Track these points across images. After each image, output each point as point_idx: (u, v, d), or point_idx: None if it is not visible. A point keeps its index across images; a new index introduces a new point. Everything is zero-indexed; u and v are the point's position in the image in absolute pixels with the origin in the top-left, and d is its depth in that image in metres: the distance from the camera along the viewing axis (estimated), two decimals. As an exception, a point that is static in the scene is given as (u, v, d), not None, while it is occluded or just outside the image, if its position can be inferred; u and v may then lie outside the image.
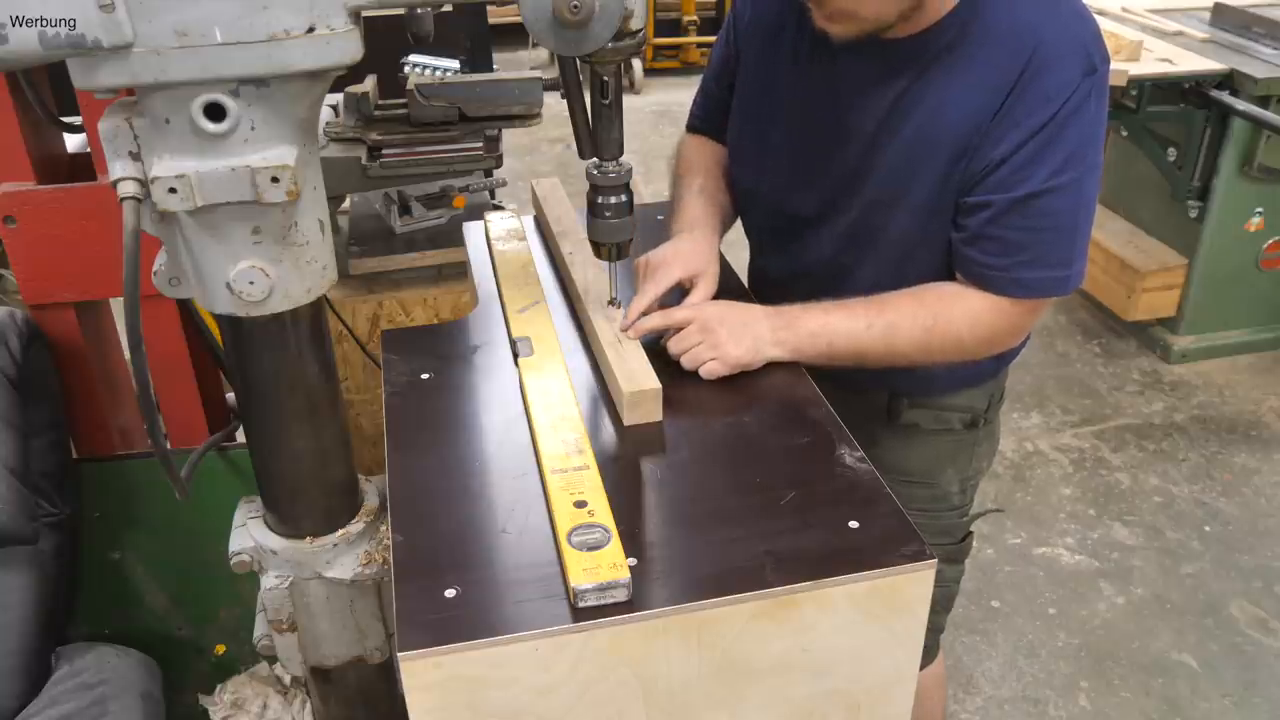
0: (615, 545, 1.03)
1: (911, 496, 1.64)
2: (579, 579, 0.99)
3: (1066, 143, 1.31)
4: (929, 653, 1.87)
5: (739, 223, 1.70)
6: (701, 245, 1.52)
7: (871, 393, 1.62)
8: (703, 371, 1.35)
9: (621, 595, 0.99)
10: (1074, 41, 1.31)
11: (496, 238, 1.71)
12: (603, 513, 1.08)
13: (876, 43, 1.37)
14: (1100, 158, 1.36)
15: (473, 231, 1.80)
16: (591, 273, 1.52)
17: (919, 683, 1.85)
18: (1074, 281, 1.40)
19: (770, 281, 1.65)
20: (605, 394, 1.34)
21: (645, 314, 1.41)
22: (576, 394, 1.30)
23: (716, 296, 1.46)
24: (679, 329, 1.39)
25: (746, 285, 1.67)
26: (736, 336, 1.36)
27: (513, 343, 1.41)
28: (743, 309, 1.41)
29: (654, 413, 1.28)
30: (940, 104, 1.35)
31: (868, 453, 1.54)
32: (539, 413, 1.26)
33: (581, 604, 0.98)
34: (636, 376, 1.29)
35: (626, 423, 1.28)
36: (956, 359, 1.45)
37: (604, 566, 1.00)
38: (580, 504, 1.09)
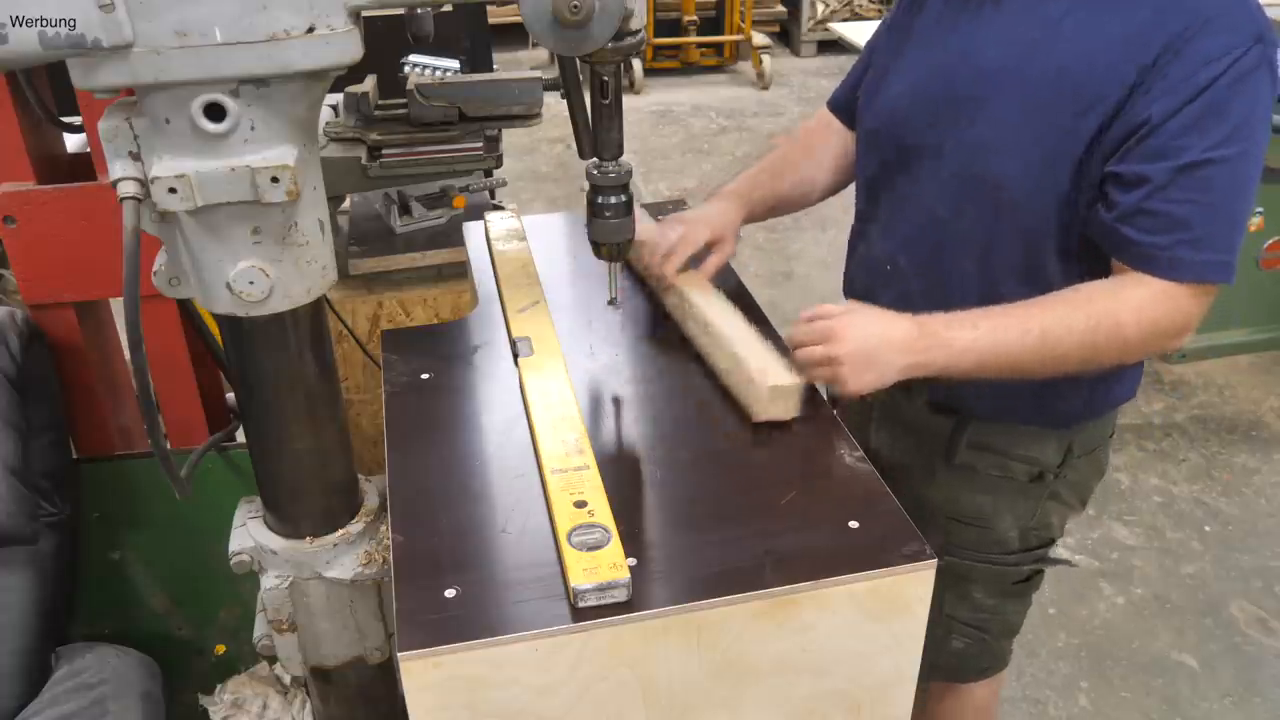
0: (615, 545, 1.03)
1: (963, 537, 1.58)
2: (579, 579, 0.99)
3: (1233, 111, 1.20)
4: (997, 662, 1.77)
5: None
6: (726, 215, 1.57)
7: (936, 424, 1.54)
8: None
9: (621, 595, 0.99)
10: (1241, 4, 1.22)
11: (496, 238, 1.71)
12: (603, 513, 1.08)
13: None
14: (1266, 137, 1.25)
15: (473, 231, 1.80)
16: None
17: (977, 697, 1.78)
18: (1234, 271, 1.29)
19: (870, 245, 1.58)
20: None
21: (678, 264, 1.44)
22: (576, 394, 1.30)
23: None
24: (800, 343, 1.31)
25: (846, 264, 1.66)
26: (859, 370, 1.26)
27: (512, 343, 1.41)
28: (882, 329, 1.29)
29: (792, 409, 1.27)
30: (1077, 46, 1.26)
31: (923, 488, 1.49)
32: (539, 412, 1.26)
33: (581, 604, 0.98)
34: (772, 372, 1.27)
35: (761, 418, 1.27)
36: (1120, 359, 1.33)
37: (604, 566, 1.00)
38: (580, 504, 1.09)
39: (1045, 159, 1.30)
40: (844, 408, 1.61)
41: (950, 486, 1.56)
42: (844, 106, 1.70)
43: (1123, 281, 1.29)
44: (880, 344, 1.27)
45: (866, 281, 1.60)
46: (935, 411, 1.54)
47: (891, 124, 1.49)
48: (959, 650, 1.70)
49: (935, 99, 1.40)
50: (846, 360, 1.26)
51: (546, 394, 1.29)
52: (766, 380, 1.25)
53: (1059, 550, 1.67)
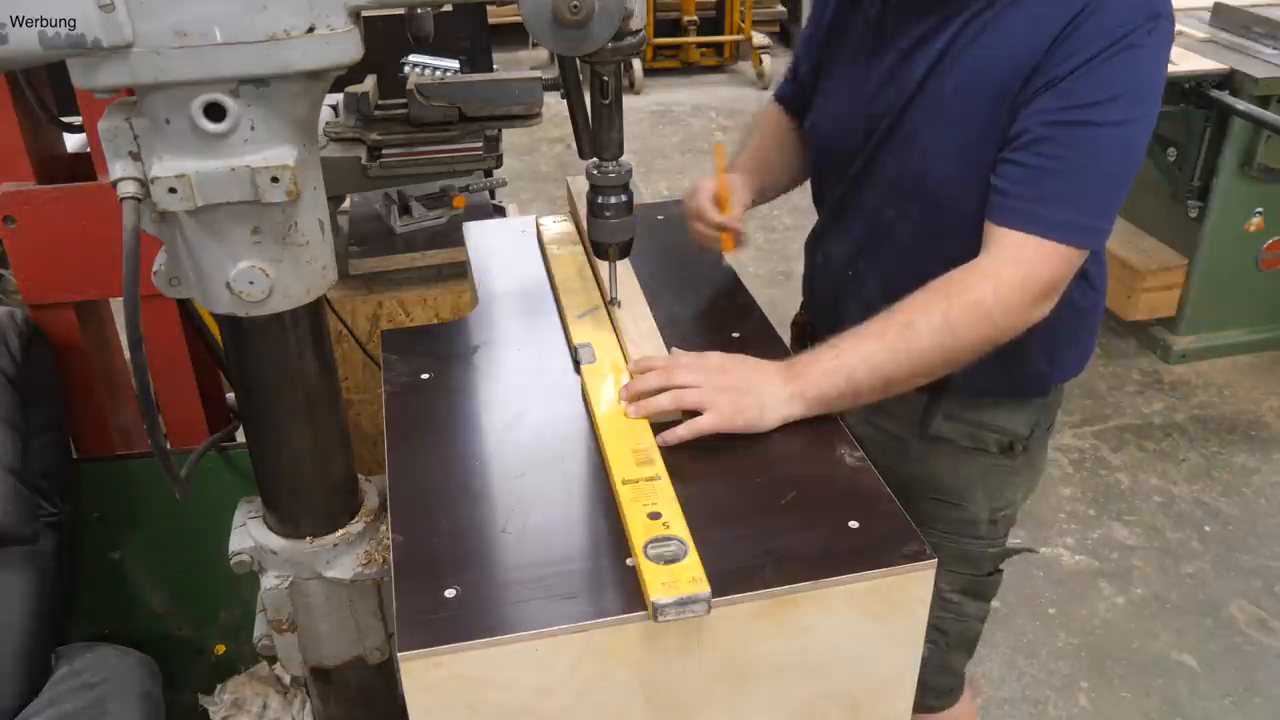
0: (693, 558, 1.01)
1: (938, 516, 1.59)
2: (658, 593, 0.97)
3: (1119, 78, 1.24)
4: (948, 695, 1.78)
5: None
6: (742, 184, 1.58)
7: (910, 398, 1.48)
8: (688, 428, 1.21)
9: (701, 610, 0.97)
10: None
11: (550, 242, 1.70)
12: (678, 525, 1.06)
13: None
14: (1153, 115, 1.29)
15: (473, 231, 1.80)
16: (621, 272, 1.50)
17: None
18: (1102, 238, 1.31)
19: (829, 254, 1.63)
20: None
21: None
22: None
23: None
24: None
25: (805, 273, 1.70)
26: (739, 402, 1.22)
27: (573, 350, 1.39)
28: (753, 367, 1.28)
29: (674, 411, 1.26)
30: (990, 51, 1.31)
31: (899, 466, 1.47)
32: (604, 422, 1.24)
33: (662, 619, 0.96)
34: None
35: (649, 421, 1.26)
36: (988, 333, 1.27)
37: (683, 580, 0.98)
38: (654, 515, 1.07)
39: (971, 153, 1.33)
40: None
41: (924, 461, 1.57)
42: (789, 100, 1.72)
43: (975, 262, 1.29)
44: (751, 383, 1.25)
45: (833, 291, 1.62)
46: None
47: (830, 136, 1.54)
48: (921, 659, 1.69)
49: (868, 109, 1.44)
50: (721, 393, 1.22)
51: (612, 403, 1.27)
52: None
53: (1015, 541, 1.71)
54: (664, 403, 1.23)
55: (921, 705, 1.72)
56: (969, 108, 1.33)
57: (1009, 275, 1.26)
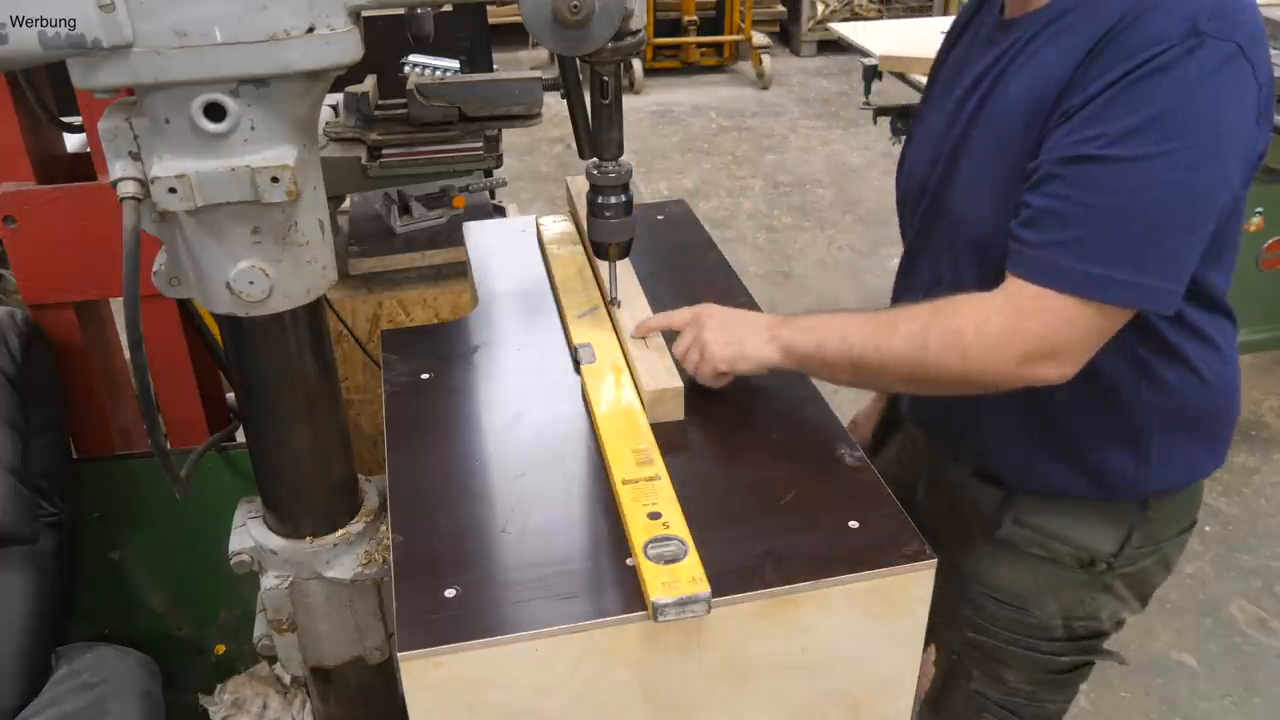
0: (693, 558, 1.01)
1: (997, 616, 1.46)
2: (658, 593, 0.97)
3: (1143, 104, 1.07)
4: None
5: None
6: None
7: (981, 493, 1.44)
8: (698, 378, 1.30)
9: (701, 610, 0.97)
10: (1180, 2, 1.09)
11: (550, 241, 1.70)
12: (677, 524, 1.06)
13: (994, 24, 1.30)
14: (1208, 153, 1.08)
15: (473, 231, 1.80)
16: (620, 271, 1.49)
17: None
18: (1150, 297, 1.10)
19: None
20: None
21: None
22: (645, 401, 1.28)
23: None
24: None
25: None
26: (724, 338, 1.27)
27: (573, 350, 1.39)
28: (743, 312, 1.34)
29: (676, 411, 1.27)
30: (1023, 84, 1.20)
31: (961, 559, 1.39)
32: (604, 421, 1.24)
33: (662, 619, 0.96)
34: (659, 375, 1.29)
35: (650, 420, 1.26)
36: (957, 366, 1.15)
37: (683, 580, 0.98)
38: (654, 515, 1.07)
39: (1009, 199, 1.19)
40: (888, 466, 1.58)
41: (989, 561, 1.45)
42: None
43: (984, 293, 1.16)
44: (738, 320, 1.31)
45: None
46: (981, 480, 1.44)
47: (902, 190, 1.47)
48: None
49: (930, 154, 1.36)
50: (709, 323, 1.29)
51: (613, 403, 1.27)
52: (646, 385, 1.27)
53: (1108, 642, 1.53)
54: (655, 322, 1.36)
55: None
56: (1002, 146, 1.22)
57: (997, 320, 1.13)
